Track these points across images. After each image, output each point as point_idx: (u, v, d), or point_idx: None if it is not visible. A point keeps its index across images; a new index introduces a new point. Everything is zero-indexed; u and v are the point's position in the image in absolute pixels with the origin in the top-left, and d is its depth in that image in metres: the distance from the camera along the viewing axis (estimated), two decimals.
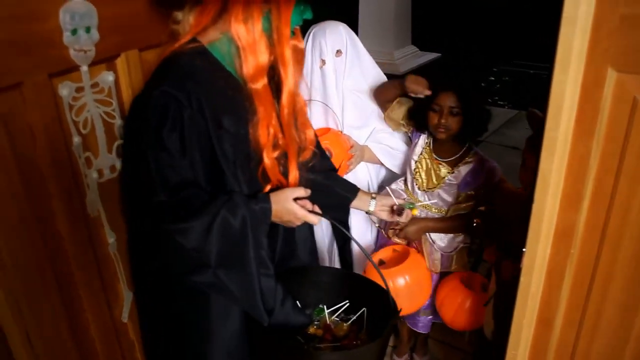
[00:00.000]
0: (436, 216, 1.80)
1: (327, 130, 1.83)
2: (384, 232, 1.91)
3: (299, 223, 1.16)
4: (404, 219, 1.55)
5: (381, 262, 1.83)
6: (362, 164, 1.96)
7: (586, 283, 0.96)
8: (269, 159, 1.14)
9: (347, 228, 1.89)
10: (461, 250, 1.81)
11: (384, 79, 1.94)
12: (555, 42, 0.81)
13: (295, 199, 1.13)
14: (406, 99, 1.83)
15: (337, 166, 1.69)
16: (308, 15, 1.12)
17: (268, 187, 1.18)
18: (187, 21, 1.09)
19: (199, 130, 1.04)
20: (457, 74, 1.78)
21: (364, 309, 1.30)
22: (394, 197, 1.55)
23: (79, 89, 1.07)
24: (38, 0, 0.96)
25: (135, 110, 1.06)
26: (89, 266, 1.17)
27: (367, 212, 1.54)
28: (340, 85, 1.84)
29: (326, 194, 1.44)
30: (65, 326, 1.14)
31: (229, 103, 1.09)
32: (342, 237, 1.86)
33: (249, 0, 1.02)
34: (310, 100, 1.80)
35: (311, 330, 1.28)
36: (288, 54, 1.07)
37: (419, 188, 1.81)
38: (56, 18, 0.98)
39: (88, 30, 1.03)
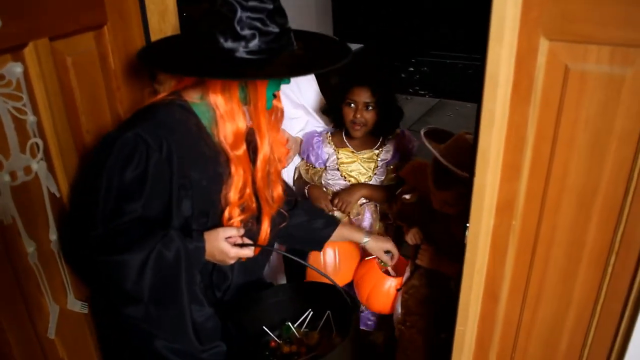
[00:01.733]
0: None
1: None
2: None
3: (231, 262, 1.16)
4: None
5: None
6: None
7: (529, 252, 0.99)
8: (237, 221, 1.17)
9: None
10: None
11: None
12: (489, 13, 0.81)
13: (227, 238, 1.14)
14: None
15: None
16: (286, 81, 1.16)
17: None
18: (169, 84, 1.17)
19: (162, 177, 1.06)
20: (372, 68, 1.84)
21: (327, 312, 1.31)
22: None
23: None
24: None
25: (103, 146, 1.05)
26: (5, 280, 1.05)
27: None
28: None
29: (303, 240, 1.51)
30: None
31: (200, 156, 1.12)
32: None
33: None
34: None
35: (285, 349, 1.28)
36: (264, 124, 1.12)
37: None
38: None
39: None
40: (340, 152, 1.82)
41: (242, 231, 1.17)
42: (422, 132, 1.47)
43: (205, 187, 1.13)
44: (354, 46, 4.28)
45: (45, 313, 1.18)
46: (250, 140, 1.16)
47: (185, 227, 1.13)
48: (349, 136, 1.82)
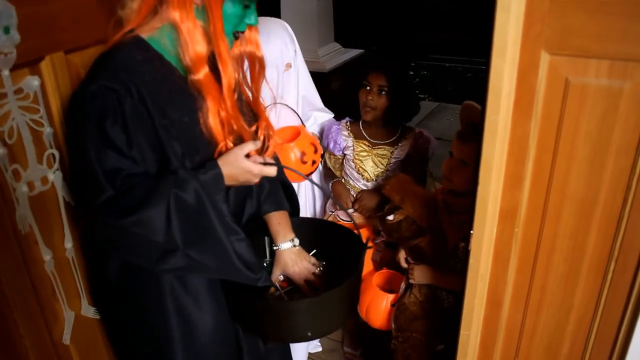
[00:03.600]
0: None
1: (297, 130, 1.77)
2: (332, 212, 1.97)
3: (257, 180, 1.13)
4: None
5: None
6: None
7: (531, 259, 1.01)
8: (229, 144, 1.12)
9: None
10: None
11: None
12: (491, 29, 0.83)
13: (247, 156, 1.10)
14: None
15: (318, 163, 1.72)
16: (252, 20, 1.10)
17: None
18: (131, 8, 1.05)
19: (143, 120, 1.01)
20: (389, 59, 1.95)
21: (314, 250, 1.32)
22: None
23: (1, 96, 0.98)
24: None
25: (73, 108, 1.01)
26: (23, 288, 1.08)
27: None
28: (298, 86, 1.86)
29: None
30: (0, 355, 1.04)
31: (172, 93, 1.06)
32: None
33: None
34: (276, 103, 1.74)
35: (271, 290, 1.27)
36: (223, 48, 1.05)
37: (367, 180, 1.87)
38: None
39: (7, 30, 0.95)
40: (357, 143, 1.89)
41: (258, 143, 1.13)
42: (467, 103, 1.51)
43: (188, 124, 1.08)
44: (355, 52, 4.30)
45: (60, 319, 1.20)
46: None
47: (183, 168, 1.08)
48: (366, 124, 1.91)
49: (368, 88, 1.82)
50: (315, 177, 2.03)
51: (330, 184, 1.97)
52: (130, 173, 1.01)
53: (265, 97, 1.54)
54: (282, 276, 1.29)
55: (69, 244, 1.18)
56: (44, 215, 1.12)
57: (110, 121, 0.98)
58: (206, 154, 1.12)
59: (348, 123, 1.94)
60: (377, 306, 1.71)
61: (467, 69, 6.28)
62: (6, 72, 0.97)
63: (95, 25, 1.21)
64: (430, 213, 1.53)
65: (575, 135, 0.86)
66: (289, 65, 1.73)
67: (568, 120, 0.85)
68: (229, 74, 1.08)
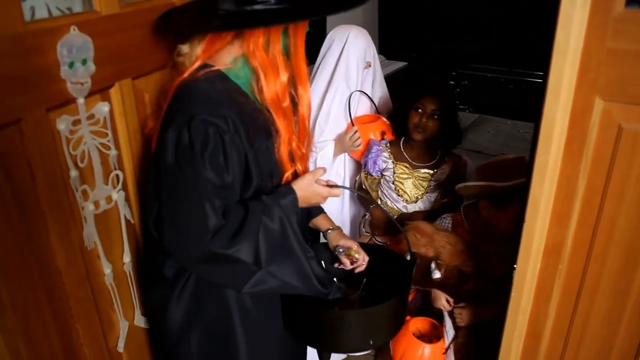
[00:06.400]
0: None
1: (374, 116, 1.96)
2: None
3: (324, 202, 1.17)
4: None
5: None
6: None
7: (573, 296, 0.98)
8: (300, 172, 1.16)
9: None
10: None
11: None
12: (547, 72, 0.83)
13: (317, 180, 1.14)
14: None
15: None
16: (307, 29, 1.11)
17: None
18: (194, 52, 1.06)
19: (238, 151, 1.03)
20: (442, 82, 1.97)
21: (364, 279, 1.33)
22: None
23: (76, 122, 1.01)
24: (37, 35, 0.91)
25: (172, 145, 0.99)
26: (85, 299, 1.10)
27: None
28: (374, 85, 1.99)
29: None
30: None
31: (254, 123, 1.07)
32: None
33: None
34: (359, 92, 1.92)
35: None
36: (304, 67, 1.07)
37: (407, 202, 1.85)
38: (54, 52, 0.93)
39: (84, 62, 0.98)
40: (397, 165, 1.86)
41: (326, 169, 1.16)
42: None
43: (265, 152, 1.10)
44: (399, 64, 4.23)
45: (116, 328, 1.22)
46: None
47: (262, 191, 1.10)
48: (408, 145, 1.87)
49: (420, 111, 1.78)
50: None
51: (371, 209, 1.95)
52: (230, 201, 1.03)
53: (352, 88, 1.86)
54: (341, 249, 1.32)
55: (127, 258, 1.21)
56: (106, 232, 1.14)
57: (215, 153, 0.99)
58: (279, 178, 1.15)
59: (388, 144, 1.90)
60: (413, 354, 1.65)
61: (509, 80, 5.94)
62: (81, 100, 1.00)
63: (158, 52, 1.23)
64: (466, 253, 1.47)
65: (626, 179, 0.84)
66: (369, 64, 1.89)
67: (619, 164, 0.83)
68: (308, 94, 1.11)
